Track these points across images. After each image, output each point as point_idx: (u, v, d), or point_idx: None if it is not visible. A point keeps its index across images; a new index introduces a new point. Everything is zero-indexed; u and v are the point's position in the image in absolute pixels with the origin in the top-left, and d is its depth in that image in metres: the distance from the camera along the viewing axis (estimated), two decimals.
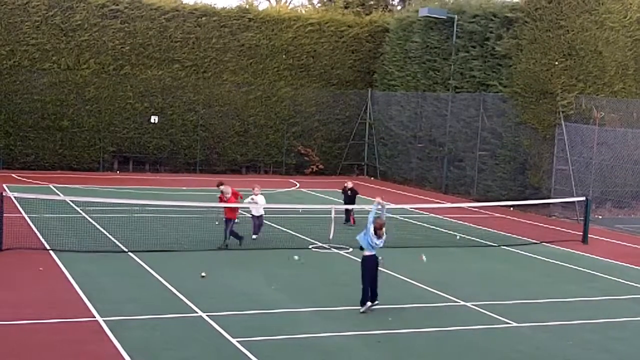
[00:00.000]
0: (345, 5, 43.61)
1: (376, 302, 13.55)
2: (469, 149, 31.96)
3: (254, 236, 19.78)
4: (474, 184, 31.53)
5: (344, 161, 38.58)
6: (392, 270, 16.94)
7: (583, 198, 23.62)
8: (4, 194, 17.46)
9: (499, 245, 21.07)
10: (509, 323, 13.31)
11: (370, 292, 13.47)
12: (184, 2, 36.27)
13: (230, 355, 10.98)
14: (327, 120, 38.18)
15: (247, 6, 37.75)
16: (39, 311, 12.60)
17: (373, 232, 13.39)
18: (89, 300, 13.33)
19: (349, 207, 22.96)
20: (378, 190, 33.05)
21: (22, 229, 19.06)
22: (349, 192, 23.67)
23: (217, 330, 11.99)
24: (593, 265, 19.05)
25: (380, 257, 13.57)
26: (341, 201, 24.43)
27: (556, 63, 27.49)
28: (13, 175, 30.94)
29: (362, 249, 13.69)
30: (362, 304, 13.45)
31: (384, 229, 13.49)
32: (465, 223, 24.73)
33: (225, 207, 19.04)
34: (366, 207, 26.44)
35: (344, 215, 23.26)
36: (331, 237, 19.12)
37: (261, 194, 20.17)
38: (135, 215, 22.36)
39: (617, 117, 27.73)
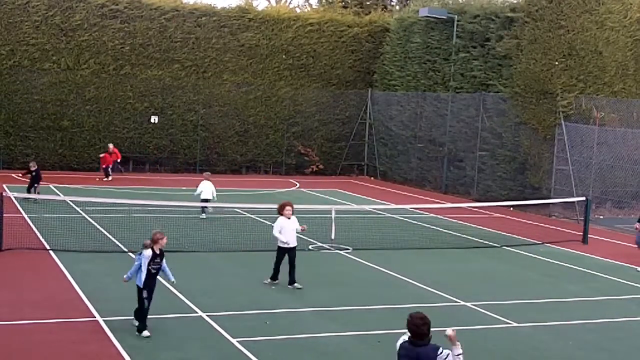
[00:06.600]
0: (344, 5, 43.59)
1: None
2: (469, 149, 31.94)
3: None
4: (474, 184, 31.51)
5: (344, 161, 38.56)
6: (391, 270, 16.99)
7: (583, 198, 23.61)
8: (4, 194, 17.46)
9: (499, 246, 21.07)
10: (509, 323, 13.31)
11: None
12: (183, 2, 36.23)
13: (230, 355, 10.98)
14: (327, 120, 38.15)
15: (247, 6, 37.71)
16: (39, 311, 12.60)
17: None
18: (89, 300, 13.33)
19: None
20: (378, 190, 33.04)
21: (22, 229, 19.05)
22: (33, 172, 24.28)
23: (217, 330, 11.98)
24: (593, 265, 19.03)
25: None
26: (339, 200, 24.34)
27: (556, 63, 27.47)
28: (13, 175, 30.90)
29: None
30: None
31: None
32: (466, 223, 24.72)
33: None
34: (367, 207, 26.36)
35: None
36: (333, 237, 19.11)
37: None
38: (135, 215, 22.35)
39: (617, 117, 27.71)
